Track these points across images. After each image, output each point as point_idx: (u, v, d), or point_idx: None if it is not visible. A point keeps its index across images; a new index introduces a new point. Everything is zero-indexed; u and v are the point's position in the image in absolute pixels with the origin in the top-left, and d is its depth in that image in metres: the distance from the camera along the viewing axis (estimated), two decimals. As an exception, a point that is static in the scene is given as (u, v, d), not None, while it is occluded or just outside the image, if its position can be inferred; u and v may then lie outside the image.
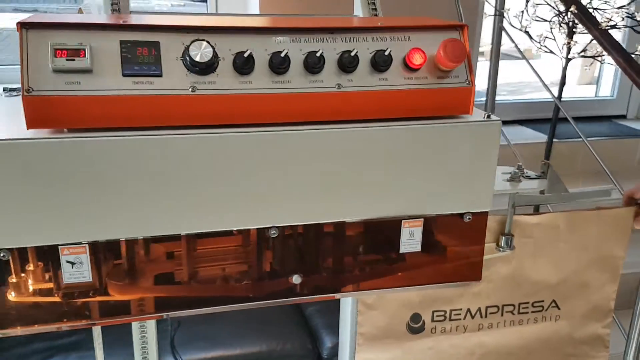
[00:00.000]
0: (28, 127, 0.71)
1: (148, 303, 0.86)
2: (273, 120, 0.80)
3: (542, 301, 1.03)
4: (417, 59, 0.83)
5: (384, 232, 0.93)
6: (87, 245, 0.79)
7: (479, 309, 0.97)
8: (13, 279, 0.79)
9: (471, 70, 0.87)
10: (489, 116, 0.90)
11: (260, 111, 0.79)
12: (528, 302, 1.02)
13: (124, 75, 0.73)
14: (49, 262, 0.79)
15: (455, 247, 0.98)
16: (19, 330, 0.82)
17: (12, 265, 0.78)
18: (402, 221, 0.91)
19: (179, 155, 0.76)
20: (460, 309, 0.96)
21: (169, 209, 0.79)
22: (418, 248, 0.94)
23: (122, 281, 0.84)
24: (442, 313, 0.95)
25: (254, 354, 1.86)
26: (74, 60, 0.71)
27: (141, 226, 0.79)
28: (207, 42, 0.74)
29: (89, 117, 0.73)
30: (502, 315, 0.99)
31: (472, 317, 0.97)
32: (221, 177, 0.79)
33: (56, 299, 0.81)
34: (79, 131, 0.73)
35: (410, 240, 0.93)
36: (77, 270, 0.80)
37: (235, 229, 0.84)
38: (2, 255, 0.76)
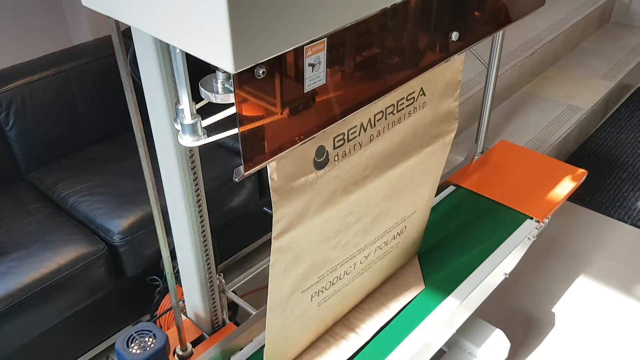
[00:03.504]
0: None
1: (358, 95, 0.83)
2: None
3: (413, 92, 1.06)
4: None
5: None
6: (325, 40, 0.72)
7: (369, 120, 0.99)
8: (268, 101, 0.70)
9: None
10: None
11: None
12: (403, 97, 1.04)
13: None
14: (286, 75, 0.71)
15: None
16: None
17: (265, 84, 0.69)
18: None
19: None
20: (355, 126, 0.96)
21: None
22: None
23: (343, 76, 0.79)
24: (342, 136, 0.95)
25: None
26: None
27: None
28: None
29: None
30: (385, 119, 1.02)
31: (365, 130, 0.99)
32: None
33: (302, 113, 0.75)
34: None
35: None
36: (316, 73, 0.74)
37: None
38: (261, 72, 0.67)
